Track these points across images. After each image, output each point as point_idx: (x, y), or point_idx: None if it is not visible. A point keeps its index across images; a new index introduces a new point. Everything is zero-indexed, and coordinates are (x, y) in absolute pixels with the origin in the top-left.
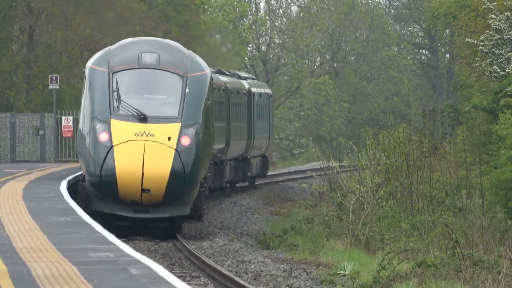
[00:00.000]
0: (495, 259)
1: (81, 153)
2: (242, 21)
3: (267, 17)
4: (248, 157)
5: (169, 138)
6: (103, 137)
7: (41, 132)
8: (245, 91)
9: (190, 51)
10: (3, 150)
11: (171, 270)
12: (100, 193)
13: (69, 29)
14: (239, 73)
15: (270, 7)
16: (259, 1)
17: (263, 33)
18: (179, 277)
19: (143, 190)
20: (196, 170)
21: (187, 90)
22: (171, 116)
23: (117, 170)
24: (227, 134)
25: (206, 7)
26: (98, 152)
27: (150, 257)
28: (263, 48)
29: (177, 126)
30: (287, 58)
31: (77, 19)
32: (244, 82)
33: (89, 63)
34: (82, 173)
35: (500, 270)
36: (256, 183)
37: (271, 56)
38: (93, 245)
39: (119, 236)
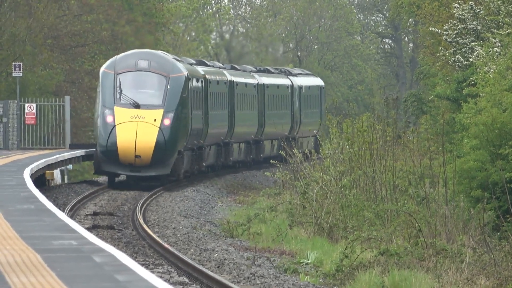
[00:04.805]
0: (458, 248)
1: (95, 130)
2: (205, 9)
3: (231, 5)
4: (297, 137)
5: (155, 120)
6: (109, 119)
7: (4, 119)
8: (288, 86)
9: (173, 59)
10: None
11: (134, 258)
12: (107, 158)
13: (33, 17)
14: (290, 69)
15: None
16: None
17: (227, 21)
18: (142, 265)
19: (136, 156)
20: (174, 142)
21: (168, 87)
22: (157, 104)
23: (118, 142)
24: (260, 119)
25: None
26: (105, 130)
27: (114, 245)
28: (227, 36)
29: (160, 111)
30: (251, 46)
31: (41, 7)
32: (291, 77)
33: (103, 68)
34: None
35: (463, 259)
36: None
37: (234, 44)
38: (57, 233)
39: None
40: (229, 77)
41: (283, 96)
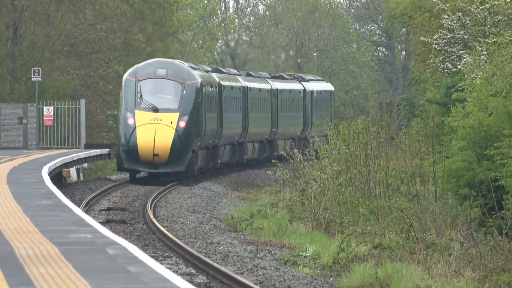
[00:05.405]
0: (446, 242)
1: (118, 131)
2: (212, 19)
3: (235, 15)
4: (308, 137)
5: (171, 122)
6: (130, 121)
7: (24, 121)
8: (300, 90)
9: (188, 67)
10: None
11: (145, 251)
12: (128, 157)
13: (51, 25)
14: (303, 75)
15: (239, 6)
16: (228, 0)
17: (232, 30)
18: (152, 257)
19: (154, 155)
20: (189, 142)
21: (184, 92)
22: (173, 108)
23: (138, 142)
24: (273, 121)
25: (178, 5)
26: (127, 131)
27: (126, 239)
28: (232, 44)
29: (176, 114)
30: (254, 53)
31: (58, 16)
32: (304, 83)
33: (125, 75)
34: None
35: (451, 253)
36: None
37: (239, 52)
38: (73, 227)
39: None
40: (243, 83)
41: (295, 100)
